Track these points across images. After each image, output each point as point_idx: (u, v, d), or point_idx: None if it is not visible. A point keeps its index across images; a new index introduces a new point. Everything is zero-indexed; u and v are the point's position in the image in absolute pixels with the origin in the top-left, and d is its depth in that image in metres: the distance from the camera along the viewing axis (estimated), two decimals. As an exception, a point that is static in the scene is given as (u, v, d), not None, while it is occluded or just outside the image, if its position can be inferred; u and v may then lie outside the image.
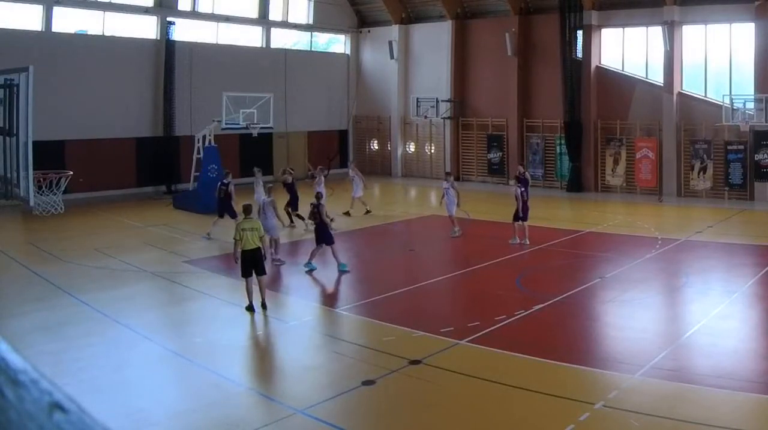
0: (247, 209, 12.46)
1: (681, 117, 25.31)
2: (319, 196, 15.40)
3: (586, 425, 7.39)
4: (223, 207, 18.26)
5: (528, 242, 17.06)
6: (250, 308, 11.71)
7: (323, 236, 14.63)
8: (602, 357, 9.70)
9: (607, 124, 26.92)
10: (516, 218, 17.31)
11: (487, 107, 30.24)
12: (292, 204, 19.77)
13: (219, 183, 18.76)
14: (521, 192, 17.32)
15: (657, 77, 25.90)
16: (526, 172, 21.25)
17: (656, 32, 25.50)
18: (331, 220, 16.78)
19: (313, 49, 33.85)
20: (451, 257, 17.56)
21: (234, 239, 12.03)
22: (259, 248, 11.83)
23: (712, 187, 24.73)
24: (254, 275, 11.81)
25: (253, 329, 11.39)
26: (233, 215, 17.58)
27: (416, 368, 9.17)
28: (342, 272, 14.47)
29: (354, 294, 13.63)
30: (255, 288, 11.81)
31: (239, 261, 11.83)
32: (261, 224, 12.45)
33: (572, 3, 26.48)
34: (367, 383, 8.71)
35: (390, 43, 32.44)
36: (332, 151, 33.34)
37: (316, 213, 14.72)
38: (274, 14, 31.40)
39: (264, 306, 11.80)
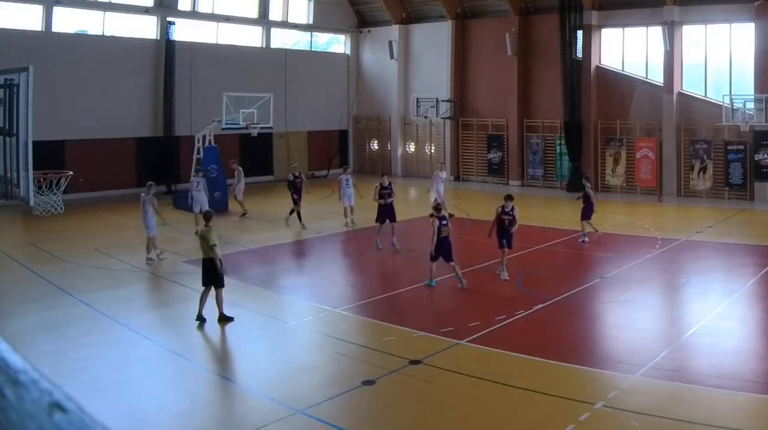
0: (206, 217, 11.79)
1: (681, 117, 25.31)
2: (439, 208, 13.74)
3: (586, 425, 7.39)
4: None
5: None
6: (199, 319, 11.15)
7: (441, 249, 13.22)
8: (602, 357, 9.70)
9: (607, 124, 26.93)
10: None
11: (487, 107, 30.24)
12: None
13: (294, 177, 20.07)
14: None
15: (657, 77, 25.90)
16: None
17: (656, 32, 25.50)
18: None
19: (313, 49, 33.85)
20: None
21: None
22: (210, 259, 11.13)
23: (712, 187, 24.74)
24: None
25: (253, 329, 11.38)
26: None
27: (416, 368, 9.17)
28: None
29: (354, 294, 13.63)
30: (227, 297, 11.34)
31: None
32: (211, 234, 11.25)
33: (572, 3, 26.49)
34: (367, 383, 8.71)
35: (390, 43, 32.44)
36: (332, 151, 33.38)
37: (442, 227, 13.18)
38: (274, 14, 31.40)
39: (222, 318, 11.23)
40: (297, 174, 20.11)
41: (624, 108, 26.56)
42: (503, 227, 14.05)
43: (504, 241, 14.02)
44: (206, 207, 17.36)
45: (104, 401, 7.99)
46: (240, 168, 22.18)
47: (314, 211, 21.82)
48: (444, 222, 13.26)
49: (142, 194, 15.82)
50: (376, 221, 17.26)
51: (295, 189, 19.86)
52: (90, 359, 9.54)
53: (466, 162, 31.24)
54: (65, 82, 24.13)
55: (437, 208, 13.65)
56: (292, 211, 19.90)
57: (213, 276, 11.20)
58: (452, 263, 13.14)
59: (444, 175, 22.28)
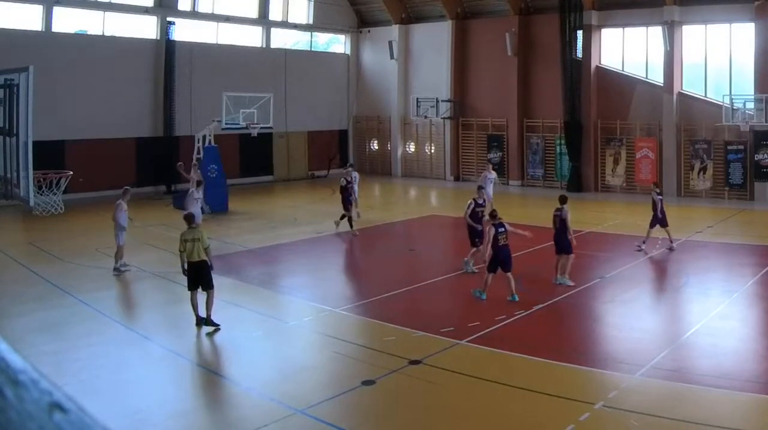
0: (188, 219, 11.57)
1: (681, 117, 25.31)
2: (494, 214, 12.65)
3: (586, 425, 7.39)
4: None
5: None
6: (199, 323, 11.01)
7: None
8: (602, 357, 9.70)
9: (607, 124, 26.93)
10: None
11: (487, 107, 30.24)
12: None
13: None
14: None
15: (657, 77, 25.91)
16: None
17: (656, 32, 25.51)
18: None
19: (313, 49, 33.86)
20: (451, 257, 17.54)
21: (179, 250, 11.24)
22: (204, 261, 11.01)
23: (712, 187, 24.74)
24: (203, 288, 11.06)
25: (253, 329, 11.38)
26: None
27: (416, 368, 9.17)
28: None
29: (354, 294, 13.64)
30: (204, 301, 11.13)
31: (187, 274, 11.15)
32: (203, 235, 11.23)
33: (572, 3, 26.48)
34: (367, 383, 8.71)
35: (390, 43, 32.44)
36: (332, 151, 33.38)
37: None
38: (274, 14, 31.41)
39: (209, 323, 10.93)
40: (350, 179, 19.47)
41: (624, 108, 26.56)
42: (560, 231, 13.41)
43: (568, 245, 13.32)
44: (199, 220, 16.57)
45: (104, 401, 7.99)
46: (197, 165, 22.04)
47: (314, 211, 21.81)
48: (501, 229, 12.10)
49: (119, 201, 15.10)
50: (472, 245, 14.68)
51: (348, 193, 19.14)
52: (90, 359, 9.54)
53: (466, 162, 31.24)
54: (65, 82, 24.14)
55: (493, 214, 12.52)
56: (343, 217, 18.98)
57: (203, 278, 11.06)
58: (509, 274, 12.16)
59: (493, 175, 21.05)
